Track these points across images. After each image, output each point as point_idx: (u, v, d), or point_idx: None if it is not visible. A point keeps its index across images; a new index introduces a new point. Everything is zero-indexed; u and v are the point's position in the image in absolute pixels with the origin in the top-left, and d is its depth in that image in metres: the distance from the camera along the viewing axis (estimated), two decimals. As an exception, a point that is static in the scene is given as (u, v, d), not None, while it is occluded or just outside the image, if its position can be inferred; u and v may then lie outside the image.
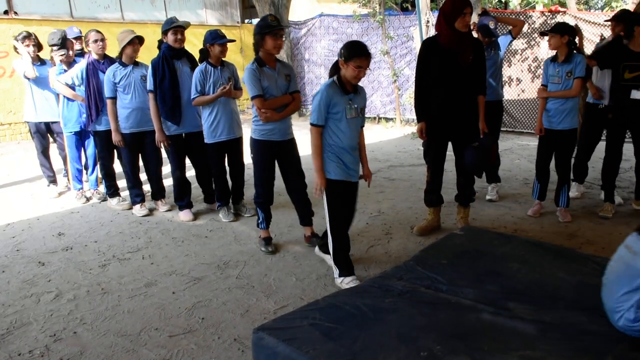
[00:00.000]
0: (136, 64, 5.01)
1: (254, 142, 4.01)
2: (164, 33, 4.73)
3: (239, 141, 4.79)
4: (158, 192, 5.35)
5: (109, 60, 5.20)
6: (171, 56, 4.70)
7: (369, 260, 3.94)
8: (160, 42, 4.82)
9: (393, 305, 2.93)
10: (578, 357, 2.38)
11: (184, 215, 4.98)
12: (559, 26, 4.50)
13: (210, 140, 4.62)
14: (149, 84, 4.73)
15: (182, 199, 5.05)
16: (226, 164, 4.87)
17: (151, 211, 5.25)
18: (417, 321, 2.76)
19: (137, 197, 5.21)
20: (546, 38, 4.64)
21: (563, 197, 4.67)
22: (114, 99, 4.93)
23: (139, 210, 5.17)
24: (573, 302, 2.91)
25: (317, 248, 3.97)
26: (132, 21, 11.23)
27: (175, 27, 4.67)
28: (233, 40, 4.67)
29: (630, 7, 11.37)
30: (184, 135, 4.87)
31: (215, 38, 4.47)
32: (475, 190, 4.61)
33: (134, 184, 5.21)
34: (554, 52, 4.60)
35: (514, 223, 4.65)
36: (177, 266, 3.91)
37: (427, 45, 4.25)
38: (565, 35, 4.39)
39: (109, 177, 5.42)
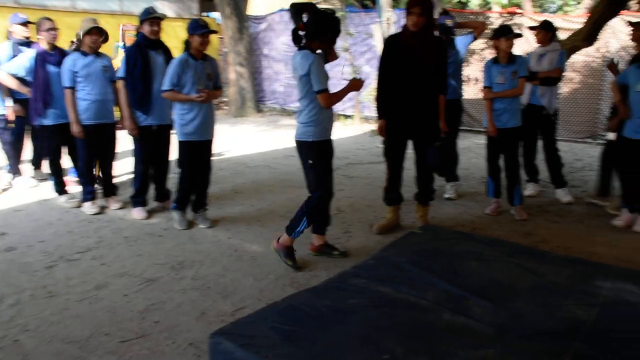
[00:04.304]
0: (98, 54, 4.83)
1: (314, 145, 3.62)
2: (141, 23, 4.61)
3: (211, 143, 4.52)
4: (110, 189, 5.15)
5: (59, 52, 4.97)
6: (146, 46, 4.58)
7: (329, 259, 3.87)
8: (137, 31, 4.71)
9: (353, 306, 2.89)
10: (537, 357, 2.39)
11: (137, 213, 4.81)
12: (509, 29, 4.62)
13: (180, 138, 4.34)
14: (121, 71, 4.58)
15: (140, 195, 4.86)
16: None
17: (102, 209, 5.03)
18: (377, 322, 2.72)
19: (89, 194, 4.99)
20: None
21: (516, 195, 4.76)
22: (73, 88, 4.72)
23: (89, 207, 4.96)
24: (530, 300, 2.93)
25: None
26: (84, 10, 10.80)
27: (152, 18, 4.55)
28: (215, 32, 4.46)
29: (582, 11, 11.72)
30: (154, 127, 4.68)
31: (195, 28, 4.19)
32: (435, 189, 4.61)
33: (87, 180, 4.98)
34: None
35: (472, 221, 4.68)
36: (130, 267, 3.75)
37: (390, 42, 4.23)
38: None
39: (57, 174, 5.19)
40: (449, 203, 5.23)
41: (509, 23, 8.56)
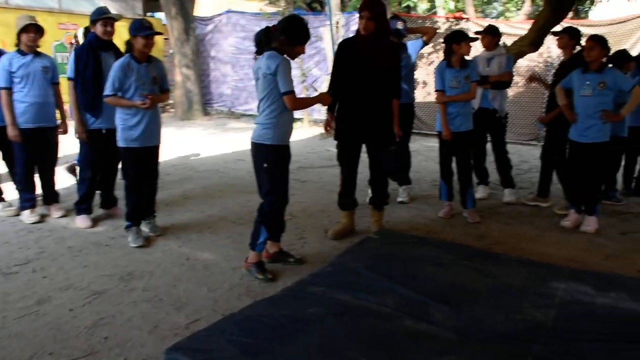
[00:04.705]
0: (37, 53, 4.57)
1: (271, 149, 3.50)
2: (93, 22, 4.40)
3: (157, 149, 4.31)
4: (51, 196, 4.87)
5: (-7, 49, 4.69)
6: (98, 46, 4.36)
7: (284, 266, 3.78)
8: (87, 30, 4.50)
9: (312, 316, 2.83)
10: (500, 361, 2.40)
11: (82, 221, 4.56)
12: (464, 34, 4.69)
13: (123, 144, 4.08)
14: (69, 71, 4.36)
15: (85, 202, 4.60)
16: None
17: (43, 217, 4.75)
18: (339, 331, 2.68)
19: (27, 201, 4.70)
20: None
21: (469, 198, 4.81)
22: (9, 89, 4.44)
23: (28, 216, 4.67)
24: (489, 303, 2.96)
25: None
26: (17, 6, 10.29)
27: (106, 19, 4.34)
28: (160, 33, 4.26)
29: (522, 17, 12.13)
30: (104, 131, 4.44)
31: (138, 29, 3.95)
32: (389, 193, 4.60)
33: (25, 187, 4.69)
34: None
35: (426, 225, 4.70)
36: (75, 279, 3.54)
37: (343, 46, 4.22)
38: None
39: (-8, 180, 4.89)
40: (402, 207, 5.24)
41: (455, 28, 8.77)
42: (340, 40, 9.01)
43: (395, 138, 4.16)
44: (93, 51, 4.34)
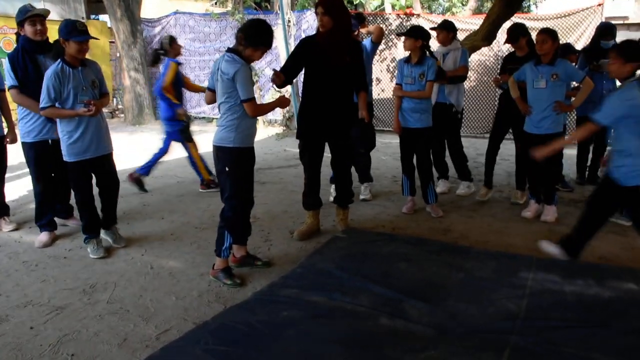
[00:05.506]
0: None
1: (233, 151, 3.42)
2: (20, 24, 4.06)
3: (110, 157, 4.07)
4: (0, 209, 4.62)
5: None
6: (32, 49, 4.03)
7: (252, 270, 3.72)
8: (18, 34, 4.14)
9: (288, 319, 2.79)
10: (480, 353, 2.42)
11: (41, 238, 4.26)
12: (414, 30, 4.68)
13: (72, 159, 3.83)
14: (10, 79, 4.02)
15: (42, 217, 4.31)
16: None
17: (-8, 233, 4.52)
18: (316, 334, 2.65)
19: (-27, 216, 4.45)
20: (402, 39, 4.84)
21: (430, 193, 4.86)
22: None
23: (-24, 232, 4.42)
24: (463, 297, 2.99)
25: None
26: (-49, 12, 9.77)
27: (32, 17, 4.00)
28: (95, 38, 3.99)
29: (468, 13, 12.40)
30: (50, 141, 4.15)
31: (71, 33, 3.65)
32: (353, 191, 4.60)
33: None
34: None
35: (391, 221, 4.72)
36: (33, 295, 3.37)
37: (304, 42, 4.20)
38: (418, 39, 4.60)
39: None
40: (365, 204, 5.25)
41: (407, 24, 8.88)
42: (292, 39, 9.00)
43: (363, 121, 4.19)
44: (29, 55, 4.01)
